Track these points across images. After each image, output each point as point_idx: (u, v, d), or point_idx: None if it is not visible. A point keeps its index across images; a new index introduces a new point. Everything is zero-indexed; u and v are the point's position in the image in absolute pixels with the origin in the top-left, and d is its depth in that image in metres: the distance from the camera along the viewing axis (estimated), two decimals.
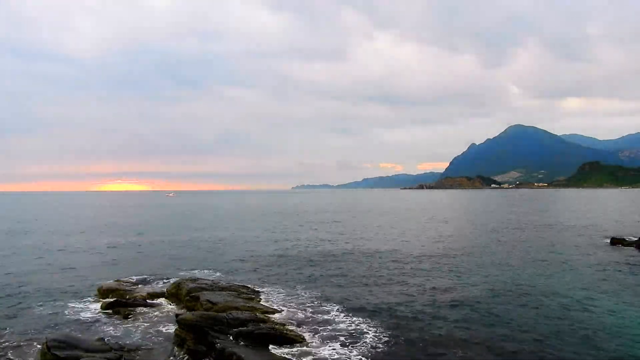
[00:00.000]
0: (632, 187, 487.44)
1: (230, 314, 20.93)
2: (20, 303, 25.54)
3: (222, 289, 25.90)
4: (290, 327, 20.55)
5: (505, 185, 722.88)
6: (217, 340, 17.67)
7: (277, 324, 20.55)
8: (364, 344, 18.93)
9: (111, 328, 21.23)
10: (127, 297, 25.86)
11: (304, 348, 18.53)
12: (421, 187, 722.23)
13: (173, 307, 24.44)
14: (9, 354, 17.73)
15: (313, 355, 17.88)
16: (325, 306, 24.58)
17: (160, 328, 21.13)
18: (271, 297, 26.41)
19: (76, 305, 25.02)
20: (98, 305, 24.75)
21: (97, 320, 22.44)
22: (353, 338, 19.61)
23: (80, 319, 22.59)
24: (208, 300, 22.90)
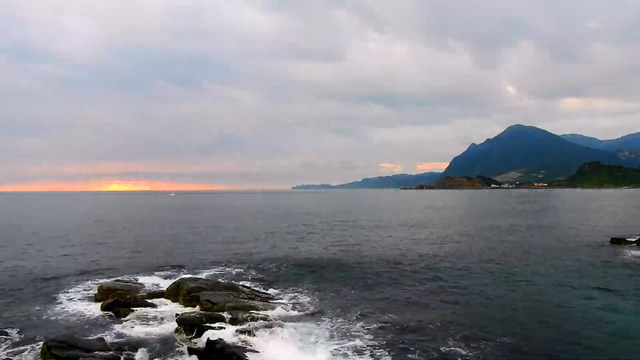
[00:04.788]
0: (632, 187, 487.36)
1: (230, 313, 20.95)
2: (19, 303, 25.50)
3: (222, 288, 25.90)
4: (291, 327, 20.53)
5: (505, 186, 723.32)
6: (217, 340, 17.66)
7: (277, 324, 20.53)
8: (366, 345, 18.92)
9: (111, 328, 21.20)
10: (127, 297, 25.83)
11: (305, 348, 18.53)
12: (421, 187, 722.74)
13: (173, 307, 24.43)
14: (9, 355, 17.71)
15: (313, 355, 17.89)
16: (327, 307, 24.58)
17: (160, 328, 21.11)
18: (272, 297, 26.41)
19: (76, 305, 24.98)
20: (98, 305, 24.69)
21: (97, 320, 22.42)
22: (355, 339, 19.60)
23: (80, 319, 22.57)
24: (208, 300, 22.89)
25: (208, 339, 17.87)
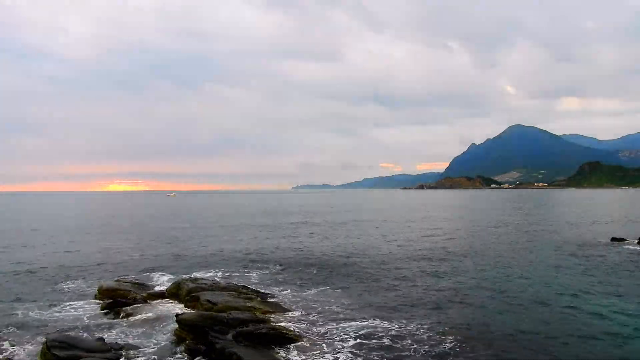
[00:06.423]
0: (632, 187, 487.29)
1: (230, 314, 20.90)
2: (19, 303, 25.48)
3: (222, 289, 25.88)
4: (291, 328, 20.52)
5: (505, 186, 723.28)
6: (217, 340, 17.64)
7: (277, 324, 20.52)
8: (367, 346, 18.89)
9: (111, 328, 21.18)
10: (127, 297, 25.78)
11: (305, 348, 18.50)
12: (421, 187, 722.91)
13: (173, 307, 24.40)
14: (9, 354, 17.69)
15: (313, 356, 17.86)
16: (327, 307, 24.54)
17: (160, 328, 21.09)
18: (272, 297, 26.38)
19: (76, 305, 24.97)
20: (98, 305, 24.71)
21: (97, 320, 22.38)
22: (355, 339, 19.58)
23: (80, 319, 22.53)
24: (208, 300, 22.86)
25: (208, 339, 17.85)
